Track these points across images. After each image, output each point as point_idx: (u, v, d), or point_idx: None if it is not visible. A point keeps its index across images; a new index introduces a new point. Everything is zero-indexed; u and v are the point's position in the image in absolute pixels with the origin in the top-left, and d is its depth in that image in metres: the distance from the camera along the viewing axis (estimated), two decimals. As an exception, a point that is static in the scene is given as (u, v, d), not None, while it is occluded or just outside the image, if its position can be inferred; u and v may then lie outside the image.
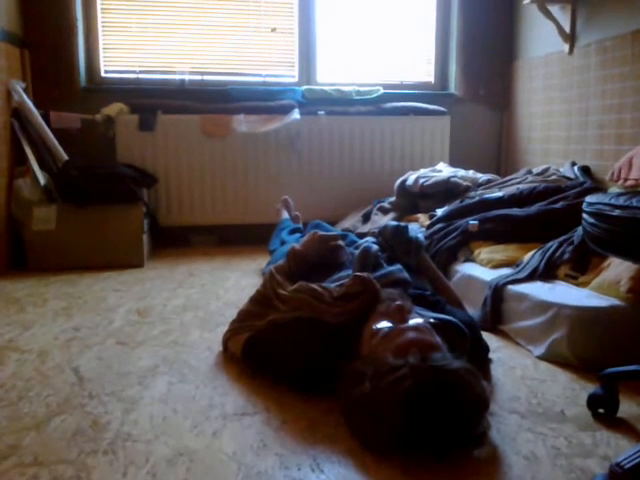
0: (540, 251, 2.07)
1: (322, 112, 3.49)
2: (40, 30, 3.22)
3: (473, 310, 2.00)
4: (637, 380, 1.49)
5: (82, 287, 2.52)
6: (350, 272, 1.67)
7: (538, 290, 1.84)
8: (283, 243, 2.65)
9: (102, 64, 3.46)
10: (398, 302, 1.39)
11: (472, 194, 2.89)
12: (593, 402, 1.36)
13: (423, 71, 3.83)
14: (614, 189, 2.31)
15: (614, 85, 2.76)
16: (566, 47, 3.11)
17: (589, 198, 1.38)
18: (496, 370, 1.62)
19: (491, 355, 1.70)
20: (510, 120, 3.78)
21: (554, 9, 3.12)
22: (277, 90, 3.51)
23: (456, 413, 1.11)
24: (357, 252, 1.76)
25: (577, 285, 1.87)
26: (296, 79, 3.67)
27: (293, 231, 2.84)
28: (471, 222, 2.41)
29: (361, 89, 3.60)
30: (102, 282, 2.61)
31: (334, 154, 3.56)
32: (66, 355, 1.72)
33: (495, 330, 1.94)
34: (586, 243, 1.41)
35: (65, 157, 3.08)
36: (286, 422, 1.31)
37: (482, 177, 3.14)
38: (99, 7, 3.40)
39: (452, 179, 3.03)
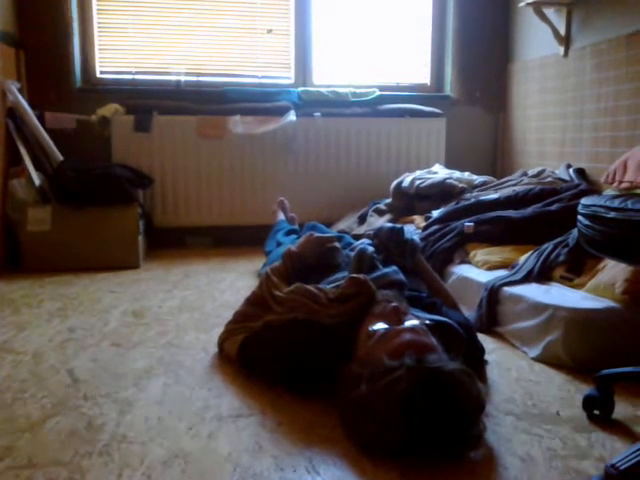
0: (535, 253, 2.08)
1: (318, 114, 3.49)
2: (36, 30, 3.21)
3: (469, 312, 2.00)
4: (632, 382, 1.49)
5: (77, 288, 2.52)
6: (346, 274, 1.67)
7: (533, 292, 1.84)
8: (279, 244, 2.65)
9: (98, 65, 3.45)
10: (394, 304, 1.39)
11: (468, 196, 2.89)
12: (588, 403, 1.36)
13: (419, 73, 3.84)
14: (609, 191, 2.32)
15: (609, 88, 2.77)
16: (561, 50, 3.12)
17: (584, 200, 1.39)
18: (491, 372, 1.63)
19: (487, 357, 1.70)
20: (506, 122, 3.79)
21: (549, 12, 3.14)
22: (273, 91, 3.51)
23: (452, 415, 1.11)
24: (353, 254, 1.76)
25: (572, 287, 1.87)
26: (292, 80, 3.67)
27: (289, 232, 2.84)
28: (467, 224, 2.41)
29: (357, 91, 3.60)
30: (97, 283, 2.60)
31: (330, 156, 3.56)
32: (61, 356, 1.72)
33: (491, 332, 1.94)
34: (581, 245, 1.41)
35: (60, 158, 3.07)
36: (282, 424, 1.31)
37: (478, 179, 3.15)
38: (95, 8, 3.39)
39: (448, 181, 3.04)
